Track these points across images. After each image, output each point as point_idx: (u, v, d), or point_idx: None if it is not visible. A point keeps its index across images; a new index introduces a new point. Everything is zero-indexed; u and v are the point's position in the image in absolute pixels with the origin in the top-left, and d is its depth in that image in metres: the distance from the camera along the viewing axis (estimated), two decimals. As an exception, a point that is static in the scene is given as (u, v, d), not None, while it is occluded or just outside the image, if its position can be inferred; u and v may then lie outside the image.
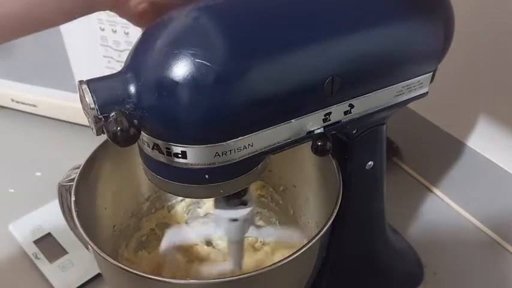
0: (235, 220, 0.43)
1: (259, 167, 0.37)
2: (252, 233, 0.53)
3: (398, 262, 0.58)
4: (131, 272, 0.37)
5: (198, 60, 0.30)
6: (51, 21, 0.33)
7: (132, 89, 0.32)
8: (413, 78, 0.40)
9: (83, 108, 0.32)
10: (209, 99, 0.31)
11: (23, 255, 0.59)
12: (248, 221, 0.44)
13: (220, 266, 0.54)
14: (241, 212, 0.43)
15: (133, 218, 0.56)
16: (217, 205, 0.43)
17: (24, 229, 0.61)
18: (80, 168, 0.45)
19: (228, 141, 0.33)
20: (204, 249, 0.57)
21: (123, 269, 0.37)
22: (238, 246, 0.46)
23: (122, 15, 0.37)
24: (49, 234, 0.60)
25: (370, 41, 0.36)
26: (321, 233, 0.40)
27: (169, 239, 0.56)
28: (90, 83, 0.31)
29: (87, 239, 0.39)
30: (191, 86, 0.30)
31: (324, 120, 0.37)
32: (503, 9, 0.54)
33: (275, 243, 0.56)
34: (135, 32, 0.63)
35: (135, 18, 0.37)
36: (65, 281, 0.56)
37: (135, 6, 0.36)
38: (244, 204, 0.42)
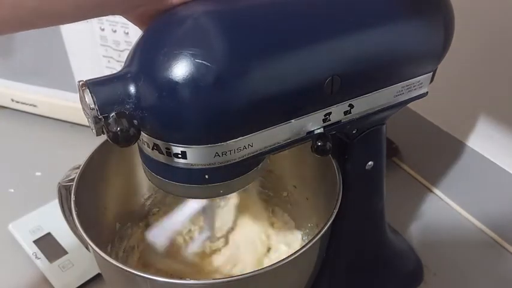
0: None
1: (259, 167, 0.37)
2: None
3: (398, 262, 0.58)
4: (131, 272, 0.37)
5: (198, 60, 0.30)
6: (61, 17, 0.31)
7: (132, 89, 0.32)
8: (413, 78, 0.40)
9: (83, 108, 0.32)
10: (209, 99, 0.31)
11: (23, 255, 0.59)
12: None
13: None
14: None
15: (134, 218, 0.56)
16: None
17: (24, 229, 0.61)
18: (80, 168, 0.45)
19: (228, 142, 0.33)
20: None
21: (123, 269, 0.37)
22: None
23: (132, 20, 0.35)
24: (49, 234, 0.60)
25: (370, 41, 0.36)
26: (321, 233, 0.40)
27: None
28: (90, 83, 0.31)
29: (87, 239, 0.39)
30: (191, 86, 0.30)
31: (324, 120, 0.37)
32: (504, 9, 0.54)
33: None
34: (135, 32, 0.63)
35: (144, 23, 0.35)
36: (65, 281, 0.56)
37: (146, 11, 0.33)
38: None
